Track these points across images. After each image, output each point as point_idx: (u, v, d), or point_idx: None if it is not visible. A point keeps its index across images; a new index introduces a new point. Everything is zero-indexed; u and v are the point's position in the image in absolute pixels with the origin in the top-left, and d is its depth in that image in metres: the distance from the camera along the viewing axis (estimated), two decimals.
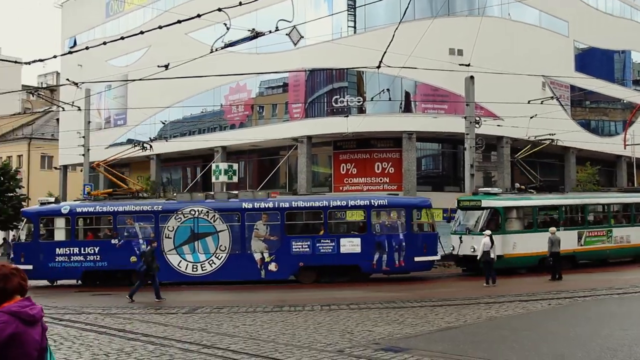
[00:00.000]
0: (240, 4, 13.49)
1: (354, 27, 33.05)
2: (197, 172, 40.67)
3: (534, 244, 24.44)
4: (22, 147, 57.73)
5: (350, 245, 23.50)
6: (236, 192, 27.07)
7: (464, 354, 10.43)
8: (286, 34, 21.19)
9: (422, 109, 32.50)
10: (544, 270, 23.65)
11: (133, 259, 23.31)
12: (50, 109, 60.03)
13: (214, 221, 23.85)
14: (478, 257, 21.66)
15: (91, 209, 25.00)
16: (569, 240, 25.04)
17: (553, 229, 23.34)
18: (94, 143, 35.05)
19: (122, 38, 16.71)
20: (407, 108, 32.72)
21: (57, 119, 53.29)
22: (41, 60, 17.11)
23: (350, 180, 33.60)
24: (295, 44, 29.21)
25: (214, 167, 34.54)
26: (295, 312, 15.93)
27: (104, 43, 16.48)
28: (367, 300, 18.06)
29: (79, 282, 24.31)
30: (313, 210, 24.49)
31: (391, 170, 32.98)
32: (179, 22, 14.67)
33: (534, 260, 24.86)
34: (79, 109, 29.85)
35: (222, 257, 23.64)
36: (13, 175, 41.40)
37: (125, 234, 24.24)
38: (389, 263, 23.36)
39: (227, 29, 15.20)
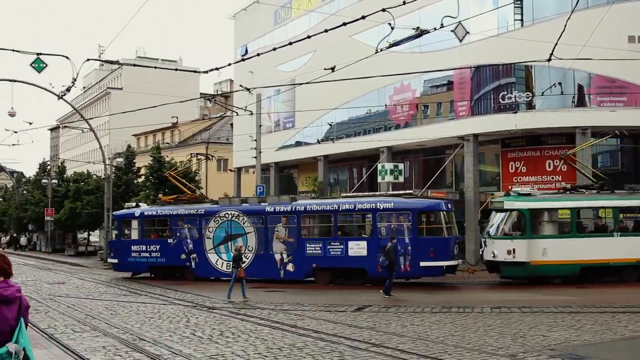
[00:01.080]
0: (404, 3, 13.47)
1: (521, 20, 31.76)
2: (363, 172, 41.13)
3: (573, 250, 21.91)
4: (201, 151, 61.49)
5: (358, 248, 23.54)
6: (265, 196, 29.78)
7: None
8: (451, 31, 20.83)
9: (597, 102, 30.54)
10: (587, 281, 21.72)
11: (183, 256, 27.06)
12: (225, 115, 63.54)
13: (244, 223, 25.99)
14: None
15: (154, 212, 29.21)
16: (634, 248, 21.75)
17: None
18: (264, 145, 36.65)
19: (290, 43, 17.31)
20: (580, 102, 30.90)
21: (231, 124, 56.24)
22: (217, 69, 18.17)
23: (520, 179, 32.30)
24: (460, 40, 28.62)
25: (379, 167, 34.73)
26: (464, 313, 15.64)
27: (274, 49, 17.18)
28: (539, 303, 17.32)
29: (152, 275, 28.12)
30: (324, 213, 24.98)
31: (563, 168, 31.32)
32: (344, 24, 14.94)
33: (573, 270, 22.08)
34: (251, 114, 31.32)
35: (249, 256, 25.27)
36: (193, 177, 44.24)
37: (178, 234, 27.56)
38: (401, 266, 22.51)
39: (392, 28, 15.24)
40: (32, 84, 37.48)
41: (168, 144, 64.03)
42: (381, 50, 16.70)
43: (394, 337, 12.15)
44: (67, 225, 56.45)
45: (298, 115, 42.57)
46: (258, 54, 18.07)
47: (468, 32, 28.50)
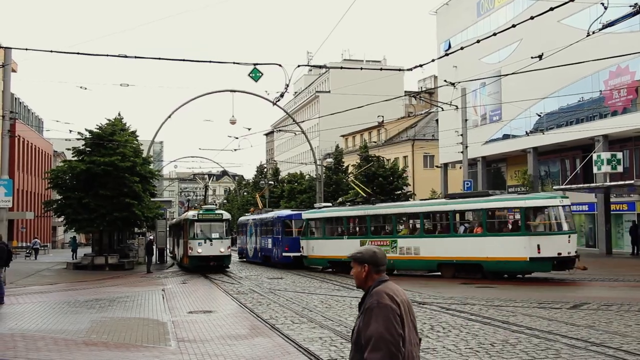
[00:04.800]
0: None
1: None
2: (577, 163, 38.92)
3: (324, 249, 30.55)
4: (407, 148, 62.11)
5: (270, 243, 36.47)
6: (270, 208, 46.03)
7: None
8: None
9: None
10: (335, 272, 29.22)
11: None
12: (430, 111, 63.50)
13: (253, 227, 40.97)
14: None
15: (240, 221, 47.46)
16: (350, 249, 23.01)
17: None
18: (471, 140, 36.09)
19: (494, 34, 16.92)
20: None
21: (437, 120, 56.06)
22: (420, 66, 18.28)
23: None
24: None
25: (595, 157, 32.69)
26: None
27: (477, 41, 16.89)
28: None
29: (245, 260, 43.88)
30: (264, 220, 38.43)
31: None
32: (551, 9, 14.30)
33: (324, 263, 31.07)
34: (456, 108, 31.06)
35: (253, 248, 40.68)
36: (400, 174, 44.79)
37: (245, 234, 43.48)
38: (278, 256, 34.93)
39: (605, 8, 14.33)
40: (249, 93, 40.49)
41: (375, 142, 65.34)
42: (593, 32, 15.75)
43: (616, 337, 11.41)
44: None
45: (505, 107, 41.38)
46: (462, 48, 17.89)
47: None
